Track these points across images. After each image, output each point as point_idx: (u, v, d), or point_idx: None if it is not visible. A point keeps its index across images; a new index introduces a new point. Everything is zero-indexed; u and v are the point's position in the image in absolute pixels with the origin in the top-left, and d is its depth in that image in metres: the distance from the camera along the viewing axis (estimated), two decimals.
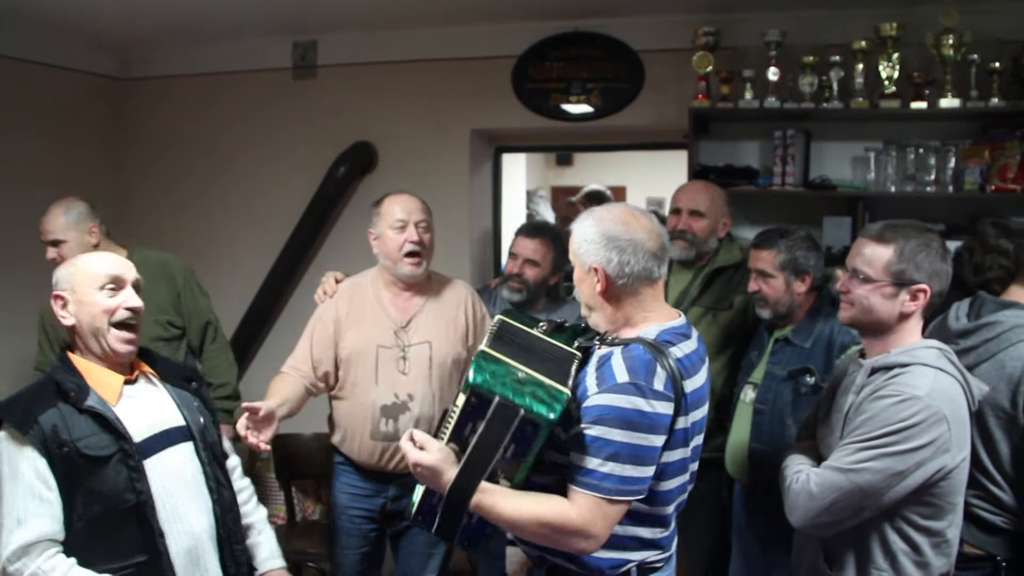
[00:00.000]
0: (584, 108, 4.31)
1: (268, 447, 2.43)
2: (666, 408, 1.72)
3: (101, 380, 2.02)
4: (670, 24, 4.04)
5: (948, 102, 3.53)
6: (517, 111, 4.39)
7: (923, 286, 1.94)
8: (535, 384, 1.66)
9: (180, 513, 2.02)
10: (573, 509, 1.71)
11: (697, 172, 3.91)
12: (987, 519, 2.18)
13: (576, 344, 1.89)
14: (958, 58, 3.52)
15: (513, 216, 5.88)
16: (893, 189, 3.72)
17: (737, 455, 2.78)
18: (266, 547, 2.32)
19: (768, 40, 3.73)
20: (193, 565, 2.03)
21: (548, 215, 6.52)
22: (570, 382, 1.72)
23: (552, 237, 3.29)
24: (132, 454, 1.95)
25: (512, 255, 3.24)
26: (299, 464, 3.98)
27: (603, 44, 4.24)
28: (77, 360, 2.04)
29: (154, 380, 2.15)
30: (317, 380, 2.76)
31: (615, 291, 1.83)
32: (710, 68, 3.79)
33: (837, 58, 3.66)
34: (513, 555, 3.94)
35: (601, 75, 4.27)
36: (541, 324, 1.93)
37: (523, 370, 1.68)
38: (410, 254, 2.71)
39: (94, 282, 2.04)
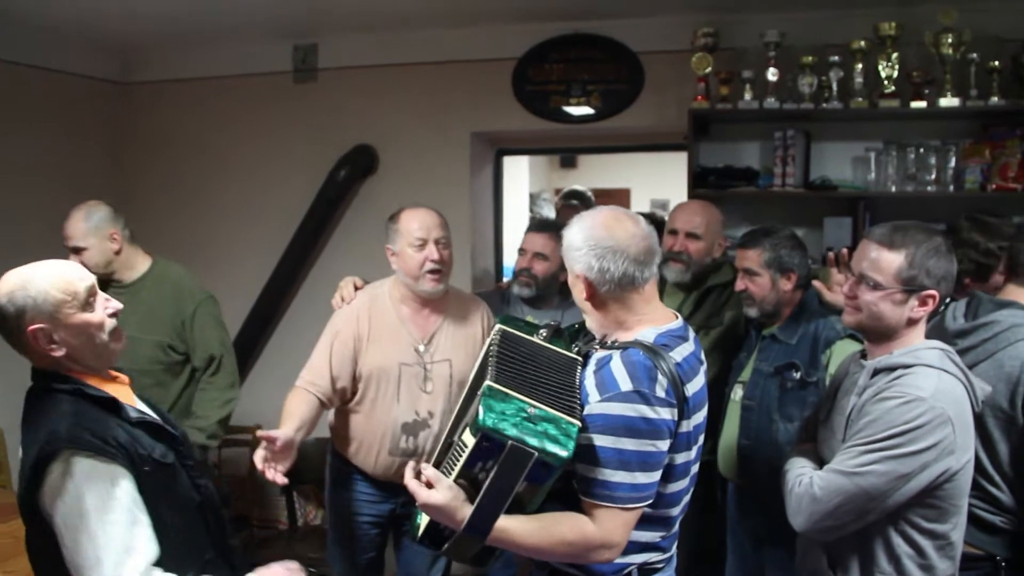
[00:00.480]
0: (584, 110, 4.32)
1: (286, 480, 2.37)
2: (670, 414, 1.72)
3: (113, 390, 1.90)
4: (669, 25, 4.04)
5: (948, 101, 3.53)
6: (517, 113, 4.40)
7: (933, 292, 1.92)
8: (546, 420, 1.62)
9: None
10: (591, 523, 1.70)
11: (697, 173, 3.91)
12: (986, 519, 2.16)
13: (575, 349, 1.88)
14: (957, 57, 3.52)
15: (516, 219, 5.87)
16: (894, 189, 3.72)
17: (727, 454, 2.80)
18: None
19: (767, 41, 3.73)
20: None
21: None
22: (578, 410, 1.69)
23: (561, 233, 3.29)
24: (186, 454, 1.92)
25: (521, 251, 3.24)
26: (300, 469, 3.94)
27: (603, 46, 4.25)
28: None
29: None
30: (334, 395, 2.71)
31: (600, 297, 1.84)
32: (709, 69, 3.80)
33: (836, 58, 3.66)
34: (513, 555, 3.93)
35: (601, 77, 4.27)
36: (541, 331, 1.92)
37: (533, 405, 1.64)
38: (431, 271, 2.67)
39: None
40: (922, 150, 3.68)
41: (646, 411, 1.69)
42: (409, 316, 2.75)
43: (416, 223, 2.67)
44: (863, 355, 2.09)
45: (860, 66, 3.62)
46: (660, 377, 1.71)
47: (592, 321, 1.90)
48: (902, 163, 3.71)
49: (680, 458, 1.80)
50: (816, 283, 2.72)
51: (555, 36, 4.28)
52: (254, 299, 4.76)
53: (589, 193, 5.25)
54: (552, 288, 3.21)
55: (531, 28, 4.28)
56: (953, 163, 3.66)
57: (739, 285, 2.78)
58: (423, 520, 1.79)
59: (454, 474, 1.67)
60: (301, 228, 4.65)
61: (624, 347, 1.78)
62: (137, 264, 3.17)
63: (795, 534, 2.11)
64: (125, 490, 1.72)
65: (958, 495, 1.91)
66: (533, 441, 1.58)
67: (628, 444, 1.68)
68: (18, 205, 4.20)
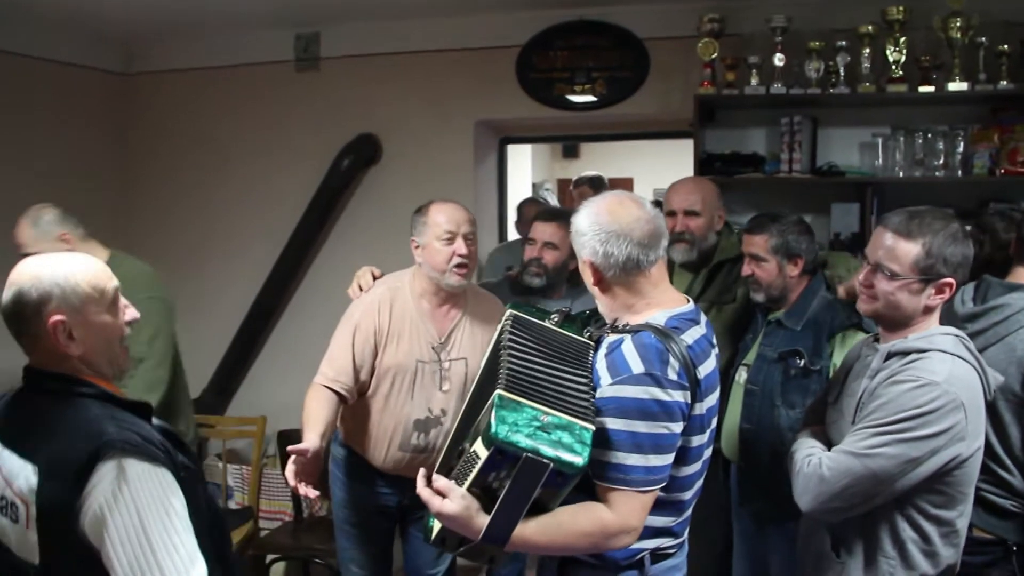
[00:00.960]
0: (589, 97, 4.29)
1: (317, 493, 2.33)
2: (682, 396, 1.72)
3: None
4: (675, 11, 4.02)
5: (956, 86, 3.51)
6: (522, 101, 4.37)
7: (950, 280, 1.91)
8: (560, 428, 1.60)
9: None
10: (609, 510, 1.70)
11: (703, 160, 3.89)
12: (997, 503, 2.16)
13: (587, 333, 1.87)
14: (965, 41, 3.49)
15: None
16: (901, 174, 3.70)
17: (730, 436, 2.80)
18: None
19: (773, 26, 3.70)
20: None
21: None
22: (591, 410, 1.66)
23: (570, 221, 3.27)
24: (198, 463, 1.88)
25: (531, 241, 3.23)
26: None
27: (608, 33, 4.22)
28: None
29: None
30: (355, 391, 2.69)
31: (607, 281, 1.84)
32: (715, 55, 3.77)
33: (843, 43, 3.62)
34: None
35: (606, 64, 4.24)
36: (553, 316, 1.91)
37: (546, 412, 1.61)
38: (458, 265, 2.66)
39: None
40: (930, 135, 3.66)
41: (658, 393, 1.68)
42: (429, 312, 2.73)
43: (444, 216, 2.66)
44: (876, 339, 2.08)
45: (867, 51, 3.59)
46: (672, 360, 1.71)
47: (602, 306, 1.90)
48: (910, 148, 3.68)
49: (695, 440, 1.79)
50: (841, 288, 2.75)
51: (559, 23, 4.26)
52: (257, 289, 4.74)
53: (606, 180, 5.25)
54: (561, 277, 3.20)
55: (535, 15, 4.25)
56: (961, 148, 3.64)
57: (746, 270, 2.78)
58: (436, 522, 1.76)
59: (467, 483, 1.64)
60: (304, 218, 4.64)
61: (636, 330, 1.77)
62: None
63: (798, 517, 2.10)
64: (178, 497, 1.61)
65: (966, 482, 1.91)
66: (548, 451, 1.55)
67: (641, 427, 1.67)
68: (20, 197, 4.17)
